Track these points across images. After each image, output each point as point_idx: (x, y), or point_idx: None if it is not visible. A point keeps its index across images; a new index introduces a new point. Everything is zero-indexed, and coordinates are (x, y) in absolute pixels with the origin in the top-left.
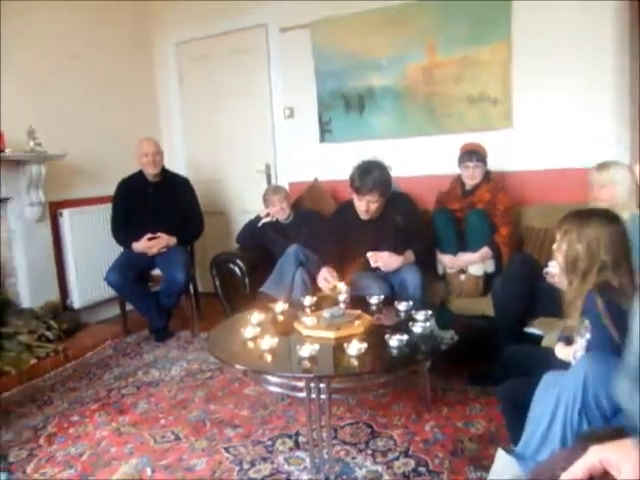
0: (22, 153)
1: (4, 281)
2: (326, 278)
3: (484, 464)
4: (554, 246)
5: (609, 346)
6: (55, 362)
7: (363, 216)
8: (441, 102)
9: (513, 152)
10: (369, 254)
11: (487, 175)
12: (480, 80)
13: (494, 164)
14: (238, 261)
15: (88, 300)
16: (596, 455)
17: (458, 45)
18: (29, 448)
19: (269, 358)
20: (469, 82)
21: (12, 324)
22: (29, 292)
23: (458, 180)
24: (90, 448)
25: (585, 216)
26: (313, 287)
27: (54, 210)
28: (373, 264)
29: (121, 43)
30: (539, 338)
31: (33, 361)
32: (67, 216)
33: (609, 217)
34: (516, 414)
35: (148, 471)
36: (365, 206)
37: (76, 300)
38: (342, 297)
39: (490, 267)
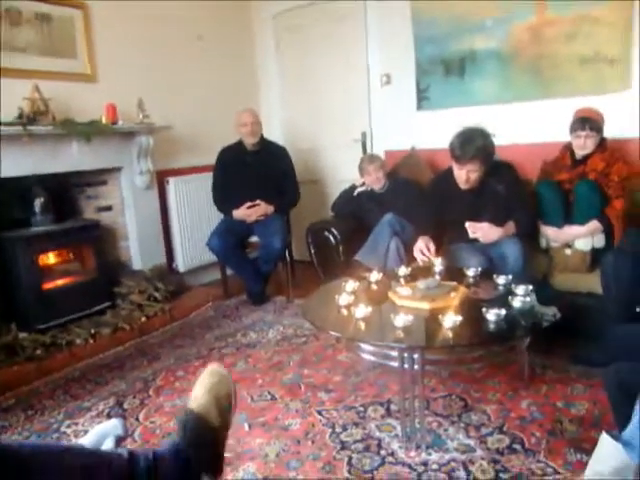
0: (133, 125)
1: (119, 244)
2: (422, 250)
3: (585, 447)
4: None
5: None
6: (162, 321)
7: (463, 185)
8: (549, 64)
9: (631, 117)
10: (468, 224)
11: (602, 143)
12: (595, 39)
13: (609, 130)
14: (333, 229)
15: (191, 264)
16: None
17: (572, 1)
18: (141, 398)
19: (363, 326)
20: (582, 41)
21: (125, 284)
22: (140, 255)
23: (568, 148)
24: None
25: None
26: (408, 257)
27: (161, 178)
28: (472, 235)
29: (221, 16)
30: None
31: (143, 319)
32: (172, 184)
33: None
34: (623, 400)
35: (246, 427)
36: (465, 175)
37: (181, 264)
38: (438, 268)
39: (599, 242)
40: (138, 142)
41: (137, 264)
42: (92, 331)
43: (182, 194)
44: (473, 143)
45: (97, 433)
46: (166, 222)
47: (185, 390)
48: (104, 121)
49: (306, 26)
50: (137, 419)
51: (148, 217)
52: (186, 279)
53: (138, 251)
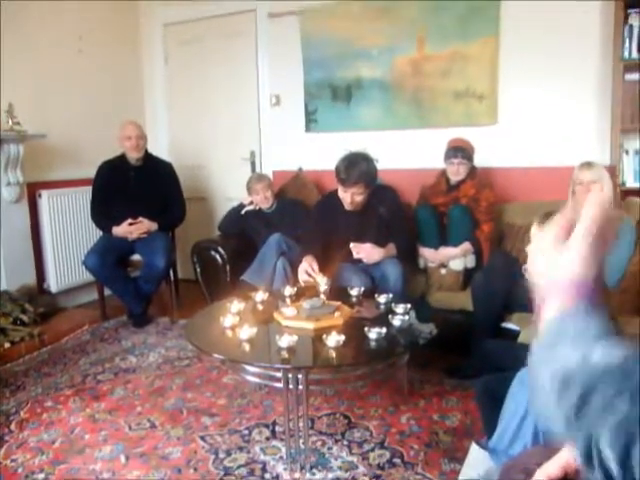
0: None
1: None
2: (306, 270)
3: (458, 456)
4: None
5: None
6: (30, 346)
7: (348, 207)
8: (428, 96)
9: (497, 149)
10: (352, 245)
11: (472, 171)
12: (467, 75)
13: (478, 160)
14: (219, 249)
15: (66, 284)
16: (570, 453)
17: (447, 39)
18: (0, 434)
19: (247, 348)
20: (456, 77)
21: None
22: (5, 274)
23: (443, 175)
24: (63, 435)
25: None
26: (294, 277)
27: (32, 191)
28: (355, 255)
29: (106, 23)
30: (516, 333)
31: (7, 345)
32: (46, 198)
33: None
34: (492, 408)
35: (122, 459)
36: (350, 198)
37: (53, 284)
38: (322, 288)
39: (471, 262)
40: (6, 151)
41: (2, 284)
42: None
43: (57, 208)
44: (357, 167)
45: None
46: (37, 238)
47: (53, 422)
48: None
49: (197, 40)
50: None
51: (16, 232)
52: (60, 300)
53: (3, 270)
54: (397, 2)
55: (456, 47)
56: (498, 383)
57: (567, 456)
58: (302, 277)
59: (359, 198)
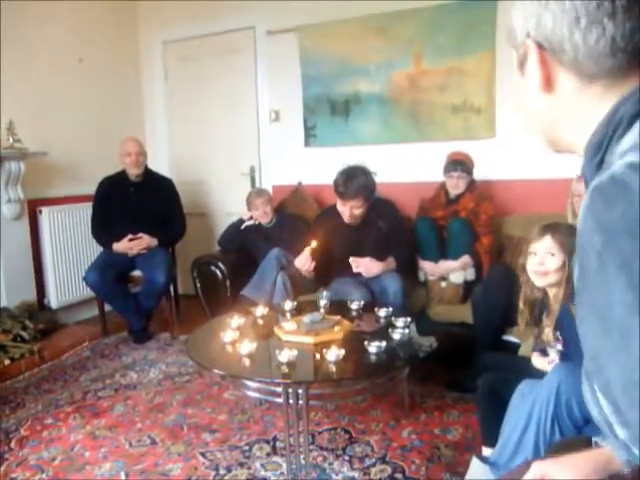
0: (1, 150)
1: None
2: (305, 261)
3: (460, 471)
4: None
5: None
6: (30, 363)
7: (346, 221)
8: (426, 110)
9: (496, 162)
10: (351, 259)
11: (471, 184)
12: (464, 90)
13: (477, 173)
14: (219, 264)
15: (66, 300)
16: (538, 470)
17: (444, 55)
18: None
19: (247, 363)
20: (453, 91)
21: None
22: (5, 291)
23: (442, 188)
24: (63, 452)
25: (559, 227)
26: (294, 291)
27: (33, 208)
28: (355, 269)
29: (106, 40)
30: (516, 346)
31: (7, 362)
32: (46, 214)
33: (570, 225)
34: (493, 409)
35: (122, 476)
36: (349, 211)
37: (53, 300)
38: (322, 302)
39: (470, 275)
40: (7, 168)
41: (2, 301)
42: None
43: (57, 225)
44: (356, 180)
45: None
46: (38, 255)
47: (53, 439)
48: None
49: (197, 57)
50: None
51: (17, 249)
52: (60, 316)
53: (3, 286)
54: (394, 21)
55: (453, 62)
56: (500, 381)
57: (535, 474)
58: (299, 263)
59: (358, 211)
